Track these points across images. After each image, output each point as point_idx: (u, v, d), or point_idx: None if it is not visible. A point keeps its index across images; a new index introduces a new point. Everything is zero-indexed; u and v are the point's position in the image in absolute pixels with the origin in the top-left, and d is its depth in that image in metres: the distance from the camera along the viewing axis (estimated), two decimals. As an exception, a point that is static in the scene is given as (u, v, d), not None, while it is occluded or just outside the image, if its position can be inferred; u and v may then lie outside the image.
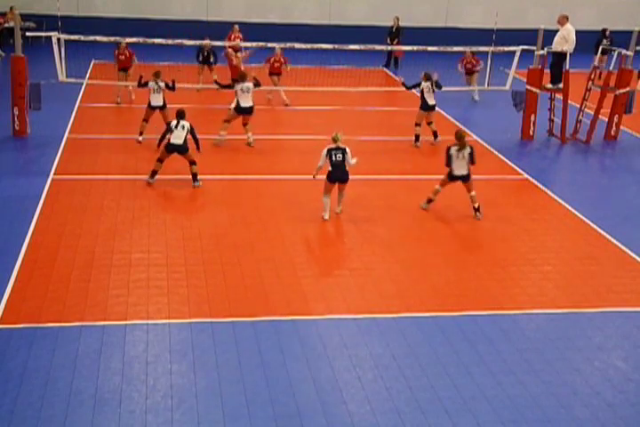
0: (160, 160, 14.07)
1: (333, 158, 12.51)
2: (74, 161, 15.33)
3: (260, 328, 9.32)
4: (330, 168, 12.55)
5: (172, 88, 16.73)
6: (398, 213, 13.35)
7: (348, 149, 12.62)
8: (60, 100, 18.93)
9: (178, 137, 13.93)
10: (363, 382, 8.36)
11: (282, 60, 20.64)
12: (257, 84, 16.97)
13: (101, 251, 11.24)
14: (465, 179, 13.02)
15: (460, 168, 12.92)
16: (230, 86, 16.89)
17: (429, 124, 17.42)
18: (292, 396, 8.04)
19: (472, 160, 12.94)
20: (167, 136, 14.07)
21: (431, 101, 17.19)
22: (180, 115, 14.19)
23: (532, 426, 7.79)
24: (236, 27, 23.06)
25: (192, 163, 14.09)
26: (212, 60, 21.12)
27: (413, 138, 17.29)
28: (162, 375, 8.30)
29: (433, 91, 17.13)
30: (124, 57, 19.88)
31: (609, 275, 11.33)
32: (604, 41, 25.28)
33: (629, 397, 8.35)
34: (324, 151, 12.59)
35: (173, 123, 14.09)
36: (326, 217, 12.64)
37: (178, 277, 10.55)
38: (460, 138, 12.94)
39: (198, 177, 14.11)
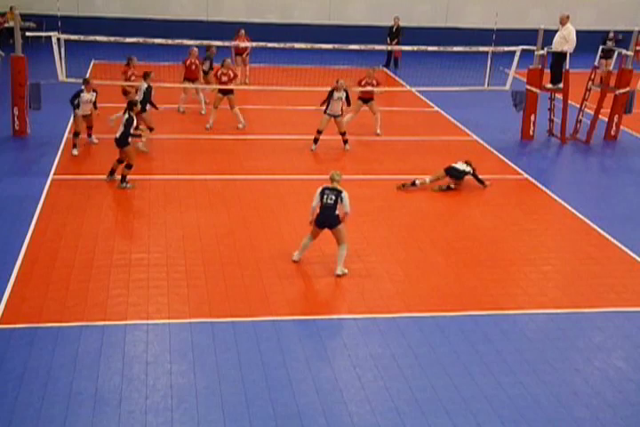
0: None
1: (324, 199, 10.75)
2: (74, 161, 15.32)
3: (260, 328, 9.32)
4: (319, 210, 10.83)
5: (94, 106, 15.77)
6: (398, 213, 13.35)
7: (344, 194, 10.74)
8: (60, 100, 18.88)
9: (118, 131, 13.83)
10: (363, 382, 8.36)
11: (230, 73, 18.00)
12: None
13: (101, 251, 11.23)
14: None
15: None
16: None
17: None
18: (292, 396, 8.04)
19: None
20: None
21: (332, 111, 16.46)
22: (128, 105, 14.01)
23: (531, 426, 7.79)
24: (242, 31, 22.87)
25: (126, 165, 13.82)
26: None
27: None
28: (162, 375, 8.29)
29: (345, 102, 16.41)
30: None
31: (609, 275, 11.33)
32: (609, 43, 25.27)
33: (629, 397, 8.35)
34: (318, 190, 10.84)
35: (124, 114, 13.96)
36: (295, 258, 11.08)
37: (178, 277, 10.55)
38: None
39: (127, 179, 13.82)
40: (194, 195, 13.79)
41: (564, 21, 18.21)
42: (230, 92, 17.86)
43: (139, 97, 16.05)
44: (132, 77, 17.23)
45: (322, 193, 10.79)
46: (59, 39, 17.39)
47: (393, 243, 12.10)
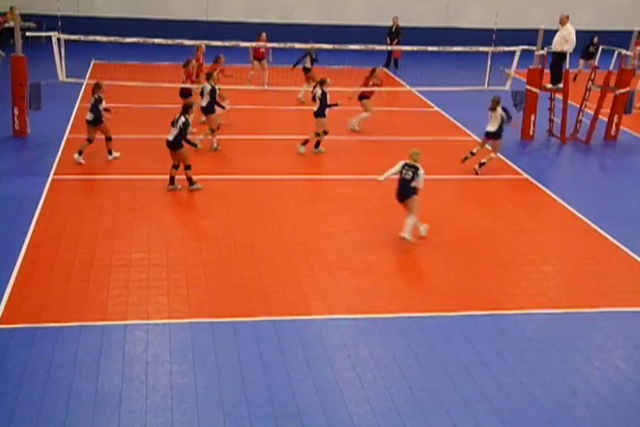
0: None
1: (403, 174, 11.83)
2: (74, 161, 15.30)
3: (260, 328, 9.32)
4: (397, 184, 11.97)
5: (94, 110, 15.11)
6: (398, 214, 13.34)
7: (421, 171, 11.76)
8: (59, 100, 18.92)
9: (171, 133, 13.69)
10: (363, 382, 8.36)
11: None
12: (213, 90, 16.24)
13: (101, 251, 11.23)
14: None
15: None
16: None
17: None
18: (292, 396, 8.04)
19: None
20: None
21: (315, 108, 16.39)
22: (183, 108, 13.89)
23: (532, 426, 7.79)
24: (264, 35, 22.22)
25: (185, 167, 13.71)
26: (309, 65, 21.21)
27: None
28: (162, 375, 8.29)
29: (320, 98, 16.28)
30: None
31: (609, 275, 11.33)
32: (591, 48, 25.47)
33: (629, 397, 8.35)
34: (400, 164, 11.88)
35: (176, 117, 13.82)
36: (414, 235, 11.96)
37: (178, 277, 10.55)
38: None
39: (193, 180, 13.83)
40: (194, 195, 13.79)
41: (563, 21, 18.22)
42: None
43: (205, 99, 15.99)
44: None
45: (402, 167, 11.86)
46: (59, 39, 17.41)
47: (392, 243, 12.09)
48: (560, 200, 14.34)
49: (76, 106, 19.60)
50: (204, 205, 13.35)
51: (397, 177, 11.93)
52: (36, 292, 9.93)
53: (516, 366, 8.80)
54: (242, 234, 12.12)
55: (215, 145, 16.26)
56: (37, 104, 16.79)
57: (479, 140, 18.16)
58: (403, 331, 9.43)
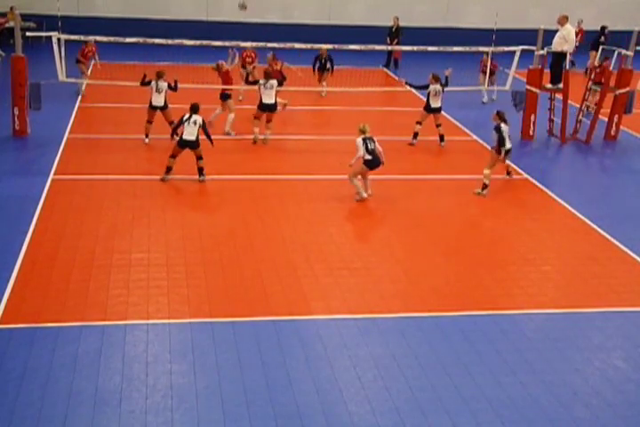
0: (173, 156, 14.35)
1: (369, 147, 13.41)
2: (74, 161, 15.32)
3: (260, 328, 9.32)
4: (368, 156, 13.41)
5: (174, 88, 16.56)
6: (398, 213, 13.36)
7: (374, 138, 13.58)
8: (59, 100, 18.93)
9: (190, 133, 14.19)
10: (363, 382, 8.36)
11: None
12: (281, 82, 17.25)
13: (101, 251, 11.23)
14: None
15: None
16: (255, 83, 17.12)
17: (437, 126, 17.33)
18: (292, 396, 8.04)
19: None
20: (178, 131, 14.43)
21: (435, 104, 17.16)
22: (194, 109, 14.35)
23: (532, 426, 7.79)
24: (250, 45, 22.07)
25: (199, 158, 14.36)
26: (328, 66, 21.68)
27: (412, 135, 17.31)
28: (162, 375, 8.29)
29: (442, 91, 17.11)
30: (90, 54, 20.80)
31: (609, 275, 11.33)
32: (602, 38, 25.46)
33: (629, 397, 8.35)
34: (360, 141, 13.43)
35: (185, 117, 14.28)
36: (365, 195, 13.66)
37: (178, 277, 10.55)
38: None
39: (204, 172, 14.38)
40: (194, 195, 13.79)
41: (562, 22, 18.22)
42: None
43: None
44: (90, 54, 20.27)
45: (364, 143, 13.42)
46: (59, 39, 17.43)
47: (393, 243, 12.10)
48: (560, 200, 14.34)
49: (76, 106, 19.61)
50: (204, 204, 13.35)
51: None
52: (36, 292, 9.93)
53: (516, 366, 8.81)
54: (242, 234, 12.12)
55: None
56: (37, 104, 16.79)
57: (479, 140, 18.19)
58: (403, 331, 9.43)
